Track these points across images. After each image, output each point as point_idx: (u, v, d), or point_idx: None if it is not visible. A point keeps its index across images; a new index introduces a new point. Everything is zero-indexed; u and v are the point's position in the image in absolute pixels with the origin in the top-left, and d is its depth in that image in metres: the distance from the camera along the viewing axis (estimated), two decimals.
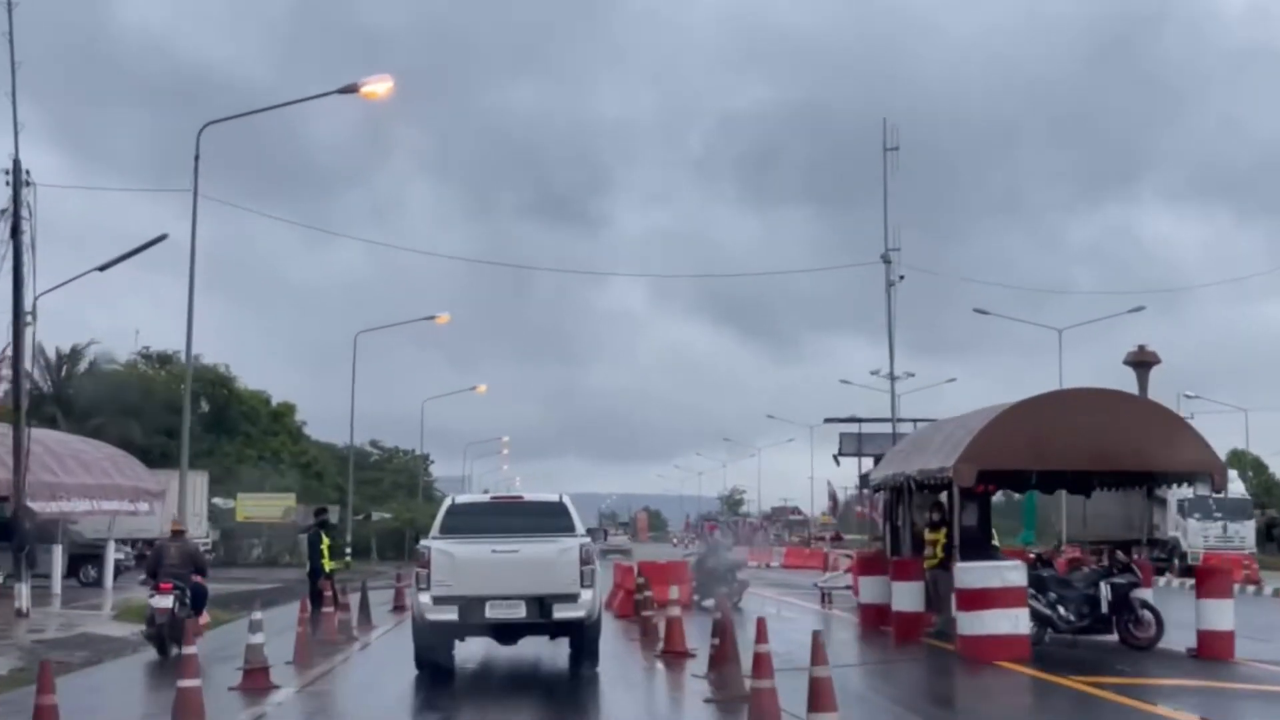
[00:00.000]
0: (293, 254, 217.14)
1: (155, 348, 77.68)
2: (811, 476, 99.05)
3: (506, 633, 15.69)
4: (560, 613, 14.92)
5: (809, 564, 57.10)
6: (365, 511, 70.67)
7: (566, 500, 16.18)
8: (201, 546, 28.00)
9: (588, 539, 15.71)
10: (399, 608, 29.29)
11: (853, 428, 28.75)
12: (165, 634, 18.12)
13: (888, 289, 28.60)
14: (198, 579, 19.05)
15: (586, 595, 15.04)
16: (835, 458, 28.58)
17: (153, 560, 19.23)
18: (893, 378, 29.17)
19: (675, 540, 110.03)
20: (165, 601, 18.21)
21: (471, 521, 15.69)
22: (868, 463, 28.66)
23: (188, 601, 18.51)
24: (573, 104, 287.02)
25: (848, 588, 30.02)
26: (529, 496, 17.10)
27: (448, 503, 16.68)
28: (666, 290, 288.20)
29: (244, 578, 46.78)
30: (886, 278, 28.68)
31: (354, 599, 25.73)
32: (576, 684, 15.81)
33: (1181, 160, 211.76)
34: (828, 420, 27.04)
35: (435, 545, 15.15)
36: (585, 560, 15.10)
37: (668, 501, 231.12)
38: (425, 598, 14.93)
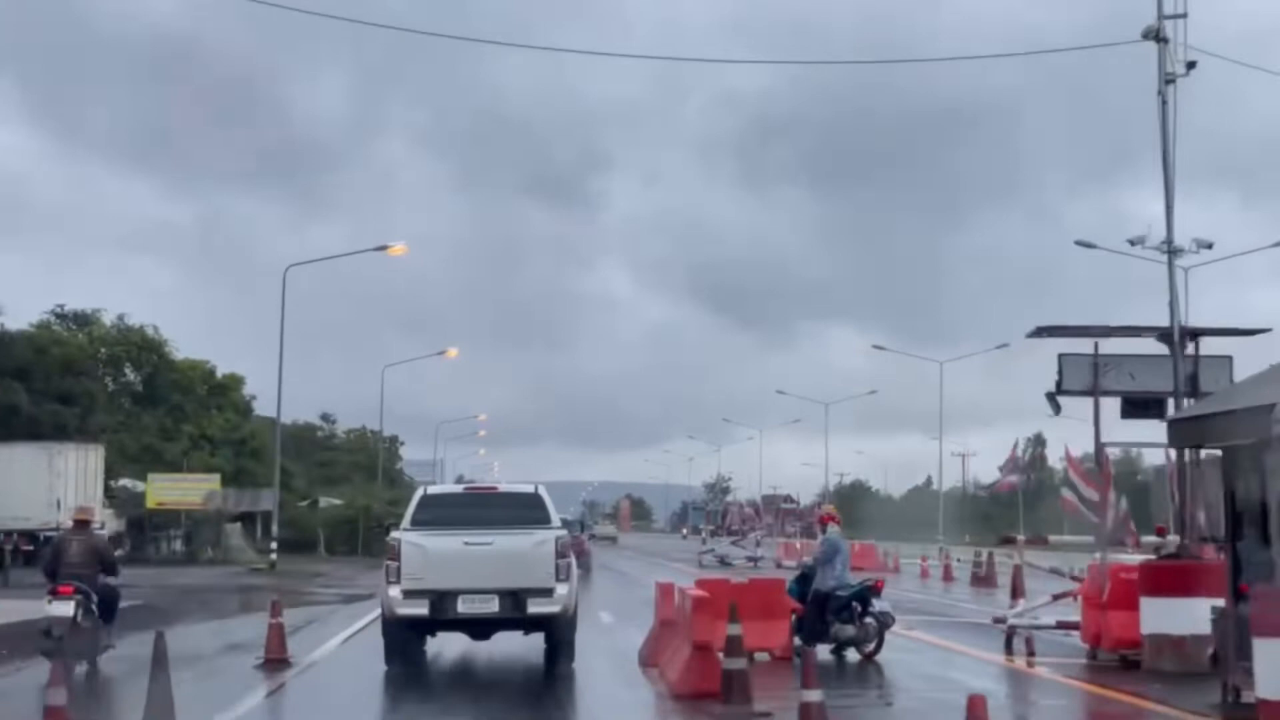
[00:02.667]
0: (270, 234, 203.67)
1: (72, 306, 64.81)
2: (826, 463, 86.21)
3: (479, 628, 14.86)
4: (535, 607, 14.01)
5: (861, 564, 44.11)
6: (312, 496, 57.46)
7: (542, 491, 15.43)
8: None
9: (564, 532, 14.77)
10: (273, 661, 15.88)
11: (1083, 346, 15.45)
12: (66, 648, 13.84)
13: (1161, 89, 15.55)
14: (107, 580, 15.73)
15: (562, 590, 14.09)
16: (1051, 398, 15.44)
17: (50, 557, 16.02)
18: (1171, 248, 16.08)
19: (686, 531, 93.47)
20: (65, 609, 14.75)
21: (444, 513, 14.92)
22: (1108, 411, 15.44)
23: (94, 608, 15.14)
24: (565, 80, 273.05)
25: (1061, 629, 16.96)
26: (504, 487, 16.08)
27: (420, 493, 15.87)
28: (655, 272, 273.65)
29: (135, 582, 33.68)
30: (1160, 68, 15.55)
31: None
32: None
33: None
34: (1037, 332, 14.21)
35: (406, 537, 14.32)
36: (561, 553, 14.15)
37: (651, 490, 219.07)
38: (395, 591, 14.08)
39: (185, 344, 67.53)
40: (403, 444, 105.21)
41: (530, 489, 15.67)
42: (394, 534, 14.91)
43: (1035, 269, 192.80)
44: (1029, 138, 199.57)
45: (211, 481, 50.98)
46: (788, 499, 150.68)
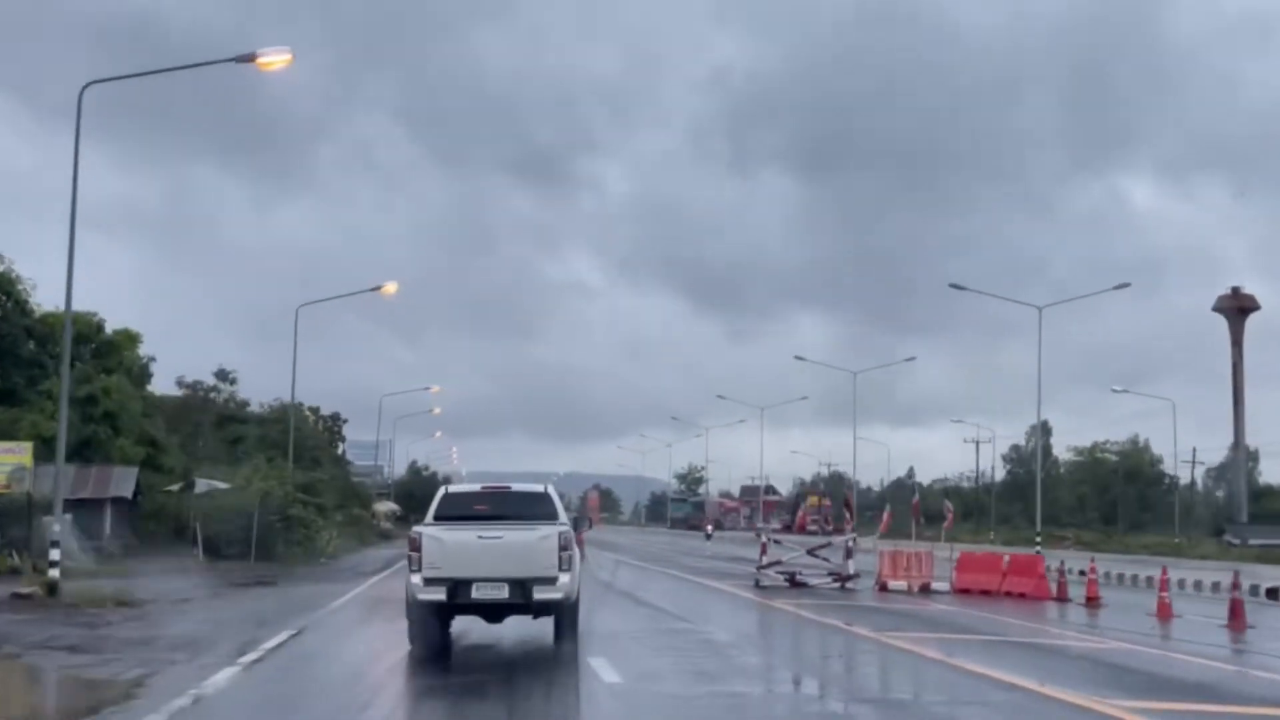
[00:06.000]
0: (233, 209, 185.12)
1: None
2: (853, 435, 69.27)
3: (492, 612, 15.64)
4: (540, 594, 14.87)
5: (1010, 586, 27.04)
6: (189, 478, 39.46)
7: (551, 490, 16.53)
8: None
9: (567, 527, 15.52)
10: None
11: None
12: None
13: None
14: None
15: (564, 578, 14.90)
16: None
17: None
18: None
19: (710, 528, 69.98)
20: None
21: (463, 509, 15.76)
22: None
23: None
24: (537, 59, 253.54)
25: None
26: (516, 487, 16.86)
27: (442, 492, 16.76)
28: (629, 258, 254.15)
29: None
30: None
31: None
32: None
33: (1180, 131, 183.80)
34: None
35: (427, 531, 15.16)
36: (564, 546, 14.96)
37: (618, 483, 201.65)
38: (417, 579, 14.92)
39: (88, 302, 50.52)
40: (345, 421, 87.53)
41: (540, 488, 16.58)
42: (416, 528, 15.45)
43: (1027, 255, 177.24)
44: (1023, 120, 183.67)
45: (20, 455, 33.19)
46: (770, 490, 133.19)
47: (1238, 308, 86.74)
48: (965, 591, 27.18)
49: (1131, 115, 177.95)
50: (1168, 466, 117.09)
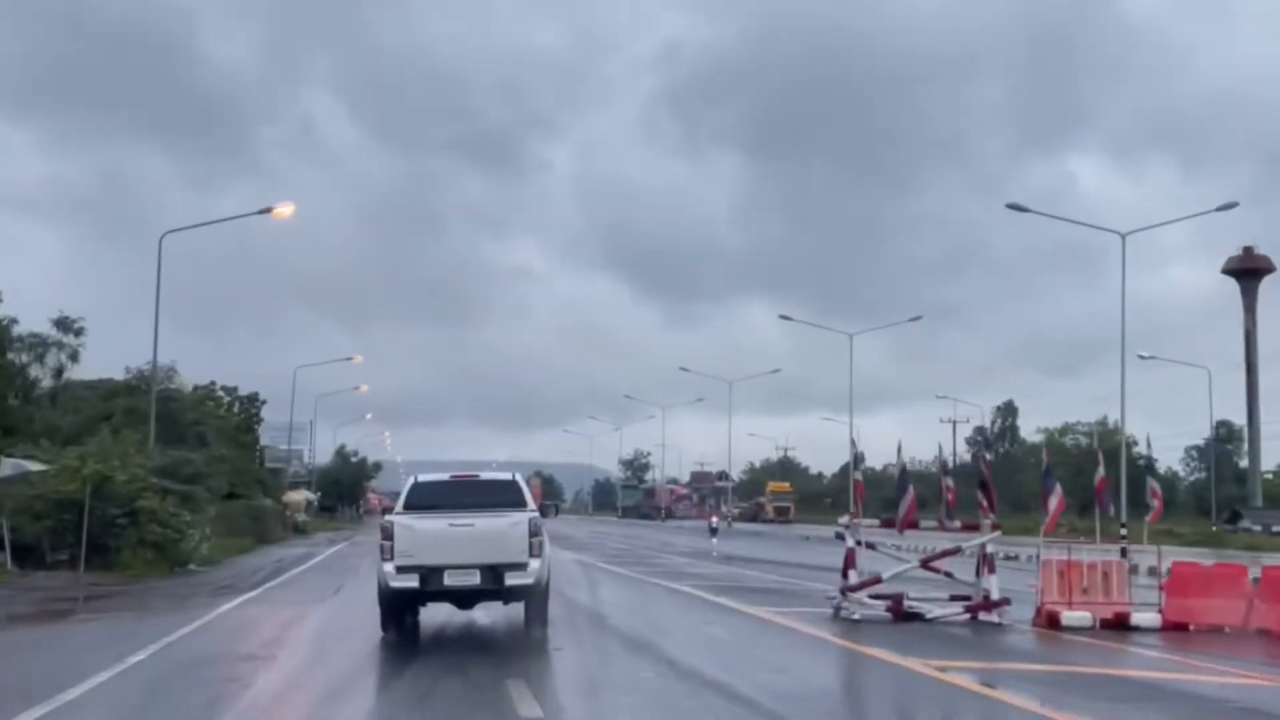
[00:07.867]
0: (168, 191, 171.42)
1: None
2: (850, 414, 58.74)
3: (463, 599, 15.55)
4: (511, 580, 14.70)
5: (1266, 621, 15.85)
6: None
7: (519, 479, 16.24)
8: None
9: (536, 514, 15.30)
10: None
11: None
12: None
13: None
14: None
15: (535, 564, 14.78)
16: None
17: None
18: None
19: (716, 521, 54.79)
20: None
21: (432, 498, 15.53)
22: None
23: None
24: (482, 36, 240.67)
25: None
26: (484, 475, 16.72)
27: (411, 481, 16.30)
28: (572, 242, 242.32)
29: None
30: None
31: None
32: None
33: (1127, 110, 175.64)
34: None
35: (398, 520, 14.97)
36: (534, 533, 14.82)
37: (561, 471, 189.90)
38: (389, 567, 14.71)
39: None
40: (264, 403, 75.17)
41: (509, 476, 16.32)
42: (387, 517, 15.38)
43: (972, 237, 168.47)
44: (975, 100, 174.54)
45: None
46: (722, 475, 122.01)
47: (1249, 269, 77.05)
48: (1180, 627, 16.22)
49: (1084, 94, 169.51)
50: (1143, 448, 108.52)
